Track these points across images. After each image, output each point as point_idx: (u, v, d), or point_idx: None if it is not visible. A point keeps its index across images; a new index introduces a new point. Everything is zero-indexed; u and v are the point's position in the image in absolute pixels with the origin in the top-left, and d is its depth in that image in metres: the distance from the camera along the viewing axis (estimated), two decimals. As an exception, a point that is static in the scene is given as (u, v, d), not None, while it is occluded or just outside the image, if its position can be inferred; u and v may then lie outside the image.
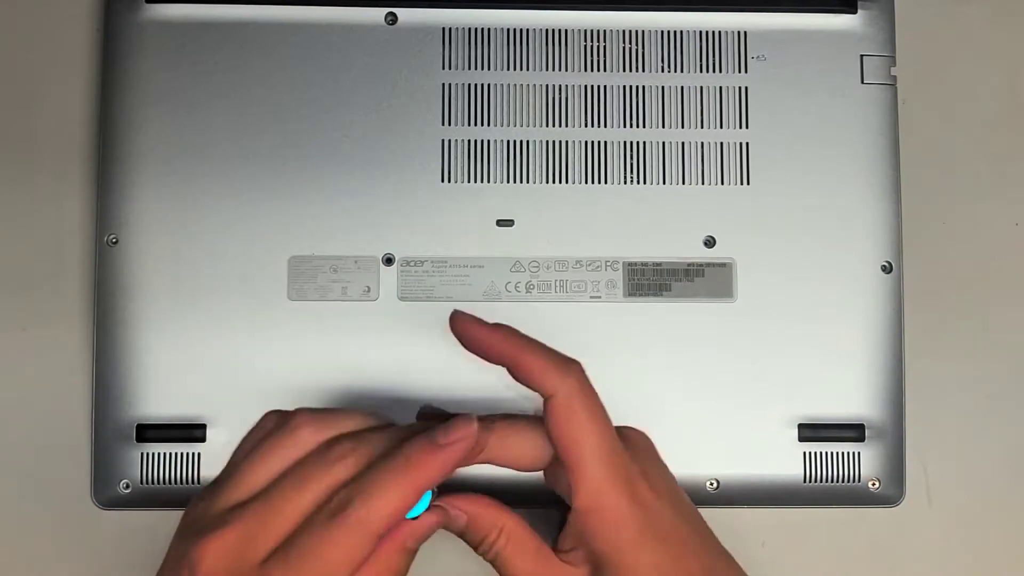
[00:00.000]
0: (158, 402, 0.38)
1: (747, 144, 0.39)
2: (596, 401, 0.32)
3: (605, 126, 0.39)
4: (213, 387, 0.38)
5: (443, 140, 0.39)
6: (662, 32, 0.40)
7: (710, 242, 0.39)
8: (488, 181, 0.39)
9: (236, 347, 0.38)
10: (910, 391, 0.39)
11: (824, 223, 0.39)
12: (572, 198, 0.39)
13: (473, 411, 0.37)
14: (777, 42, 0.40)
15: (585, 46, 0.40)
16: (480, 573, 0.33)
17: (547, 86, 0.39)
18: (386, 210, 0.39)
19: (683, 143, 0.39)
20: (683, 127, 0.39)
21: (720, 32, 0.40)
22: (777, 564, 0.40)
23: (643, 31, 0.40)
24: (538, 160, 0.39)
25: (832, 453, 0.38)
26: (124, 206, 0.38)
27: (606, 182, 0.39)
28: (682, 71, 0.40)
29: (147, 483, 0.38)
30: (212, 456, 0.37)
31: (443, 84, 0.39)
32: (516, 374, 0.32)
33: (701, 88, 0.39)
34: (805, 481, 0.38)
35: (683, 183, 0.39)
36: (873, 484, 0.39)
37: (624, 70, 0.39)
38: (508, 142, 0.39)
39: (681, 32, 0.40)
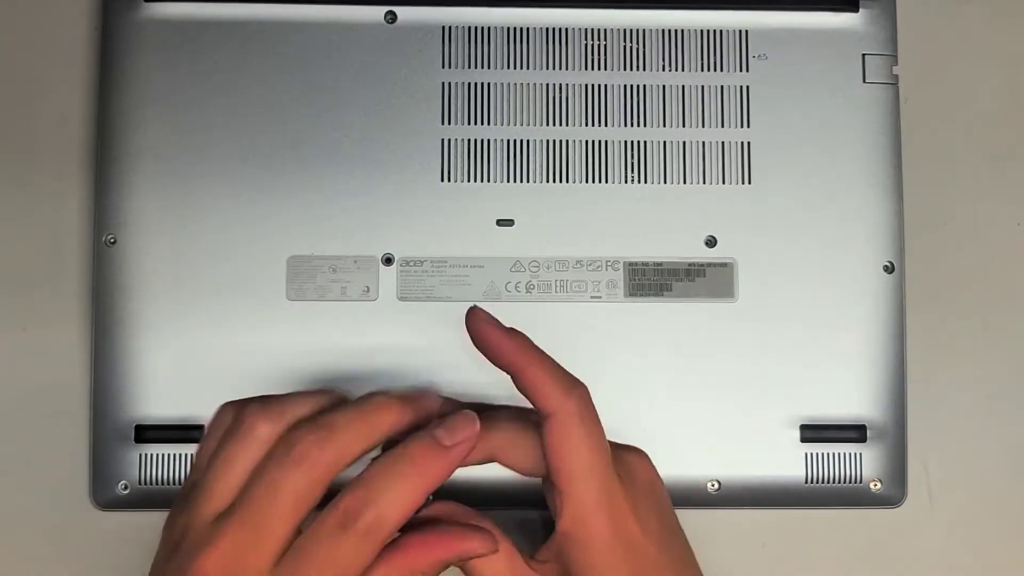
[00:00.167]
0: (157, 402, 0.37)
1: (748, 143, 0.39)
2: (595, 427, 0.31)
3: (606, 125, 0.39)
4: (212, 387, 0.37)
5: (443, 139, 0.39)
6: (663, 31, 0.39)
7: (711, 242, 0.39)
8: (488, 181, 0.39)
9: (235, 347, 0.38)
10: (912, 392, 0.39)
11: (826, 223, 0.39)
12: (572, 198, 0.39)
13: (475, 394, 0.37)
14: (778, 41, 0.40)
15: (586, 45, 0.39)
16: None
17: (547, 85, 0.39)
18: (386, 210, 0.38)
19: (684, 142, 0.39)
20: (684, 126, 0.39)
21: (721, 31, 0.39)
22: (778, 565, 0.40)
23: (644, 30, 0.39)
24: (538, 159, 0.39)
25: (833, 454, 0.38)
26: (123, 206, 0.38)
27: (607, 182, 0.39)
28: (683, 70, 0.39)
29: (146, 484, 0.38)
30: (211, 457, 0.37)
31: (443, 83, 0.39)
32: (520, 386, 0.32)
33: (702, 87, 0.39)
34: (806, 482, 0.38)
35: (684, 183, 0.39)
36: (875, 485, 0.39)
37: (625, 69, 0.39)
38: (508, 141, 0.39)
39: (682, 31, 0.39)
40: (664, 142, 0.39)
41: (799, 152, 0.39)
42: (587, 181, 0.39)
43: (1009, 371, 0.41)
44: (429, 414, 0.32)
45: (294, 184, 0.38)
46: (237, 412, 0.31)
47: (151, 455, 0.38)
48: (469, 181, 0.39)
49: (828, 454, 0.38)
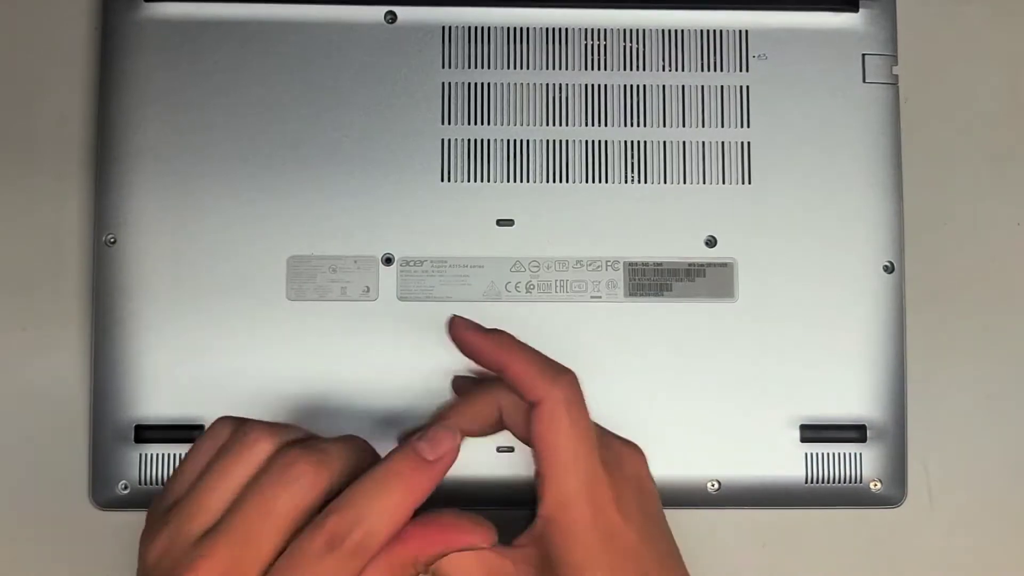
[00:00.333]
0: (157, 403, 0.37)
1: (748, 143, 0.39)
2: (581, 413, 0.32)
3: (606, 125, 0.39)
4: (211, 387, 0.37)
5: (443, 139, 0.39)
6: (663, 31, 0.39)
7: (711, 242, 0.39)
8: (488, 181, 0.39)
9: (235, 347, 0.38)
10: (912, 391, 0.39)
11: (826, 223, 0.39)
12: (572, 198, 0.39)
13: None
14: (778, 41, 0.40)
15: (586, 45, 0.39)
16: None
17: (547, 85, 0.39)
18: (386, 210, 0.38)
19: (684, 142, 0.39)
20: (684, 126, 0.39)
21: (721, 31, 0.39)
22: (778, 565, 0.40)
23: (644, 30, 0.39)
24: (538, 159, 0.39)
25: (834, 454, 0.38)
26: (122, 206, 0.38)
27: (607, 181, 0.39)
28: (683, 70, 0.39)
29: (146, 484, 0.38)
30: (211, 457, 0.37)
31: (443, 83, 0.39)
32: (508, 381, 0.32)
33: (702, 87, 0.39)
34: (806, 482, 0.38)
35: (684, 182, 0.39)
36: (875, 485, 0.39)
37: (625, 69, 0.39)
38: (508, 141, 0.39)
39: (682, 31, 0.39)
40: (664, 142, 0.39)
41: (799, 152, 0.39)
42: (587, 181, 0.39)
43: (1009, 371, 0.41)
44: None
45: (294, 184, 0.38)
46: (237, 427, 0.30)
47: (151, 455, 0.38)
48: (469, 181, 0.39)
49: (828, 454, 0.38)
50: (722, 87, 0.39)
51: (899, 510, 0.39)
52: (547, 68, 0.39)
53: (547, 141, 0.39)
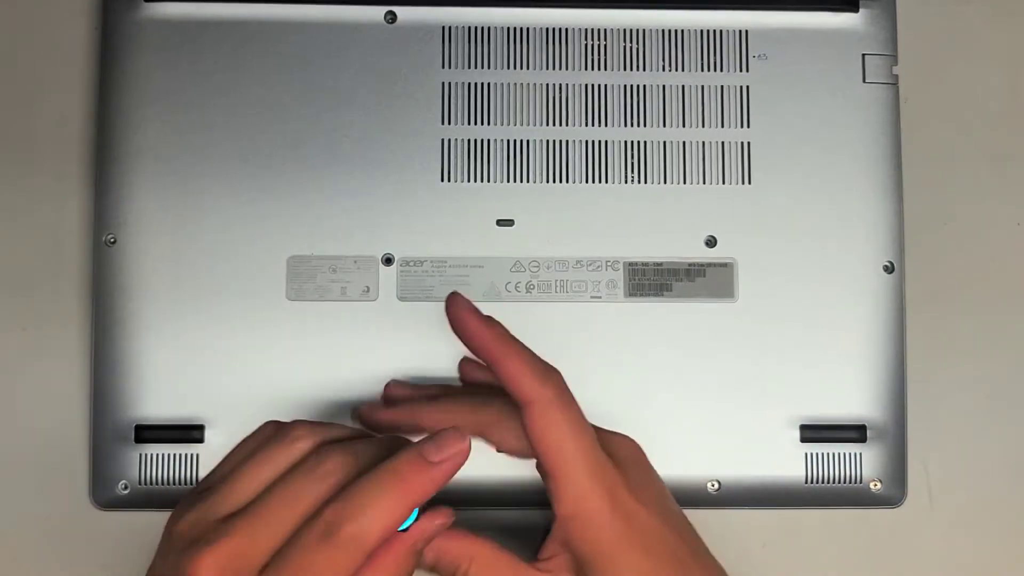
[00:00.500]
0: (156, 403, 0.37)
1: (748, 143, 0.39)
2: (575, 409, 0.32)
3: (606, 125, 0.39)
4: (211, 388, 0.37)
5: (443, 140, 0.39)
6: (663, 31, 0.39)
7: (711, 242, 0.39)
8: (488, 181, 0.39)
9: (234, 347, 0.38)
10: (912, 392, 0.39)
11: (826, 223, 0.39)
12: (572, 198, 0.39)
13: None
14: (778, 41, 0.39)
15: (586, 45, 0.39)
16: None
17: (547, 85, 0.39)
18: (386, 210, 0.38)
19: (684, 142, 0.39)
20: (684, 126, 0.39)
21: (721, 31, 0.39)
22: (778, 565, 0.40)
23: (644, 30, 0.39)
24: (538, 160, 0.39)
25: (834, 454, 0.38)
26: (122, 206, 0.38)
27: (607, 182, 0.39)
28: (683, 70, 0.39)
29: (146, 484, 0.38)
30: (210, 457, 0.37)
31: (443, 83, 0.39)
32: (497, 375, 0.32)
33: (702, 87, 0.39)
34: (806, 482, 0.38)
35: (684, 183, 0.39)
36: (875, 485, 0.39)
37: (625, 69, 0.39)
38: (508, 141, 0.39)
39: (682, 31, 0.39)
40: (664, 142, 0.39)
41: (799, 152, 0.39)
42: (587, 181, 0.39)
43: (1009, 371, 0.41)
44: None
45: (294, 184, 0.38)
46: (281, 426, 0.31)
47: (151, 455, 0.38)
48: (469, 181, 0.39)
49: (828, 454, 0.38)
50: (722, 87, 0.39)
51: (899, 510, 0.39)
52: (547, 68, 0.39)
53: (547, 141, 0.39)
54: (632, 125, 0.39)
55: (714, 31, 0.40)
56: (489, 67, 0.39)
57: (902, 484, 0.39)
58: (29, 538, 0.39)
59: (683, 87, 0.39)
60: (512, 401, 0.33)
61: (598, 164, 0.39)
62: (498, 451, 0.35)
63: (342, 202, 0.38)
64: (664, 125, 0.39)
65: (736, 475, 0.38)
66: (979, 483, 0.40)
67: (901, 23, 0.40)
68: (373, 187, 0.38)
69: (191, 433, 0.37)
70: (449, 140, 0.39)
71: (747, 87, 0.39)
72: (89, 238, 0.39)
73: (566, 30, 0.39)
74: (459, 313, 0.33)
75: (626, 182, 0.39)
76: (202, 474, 0.37)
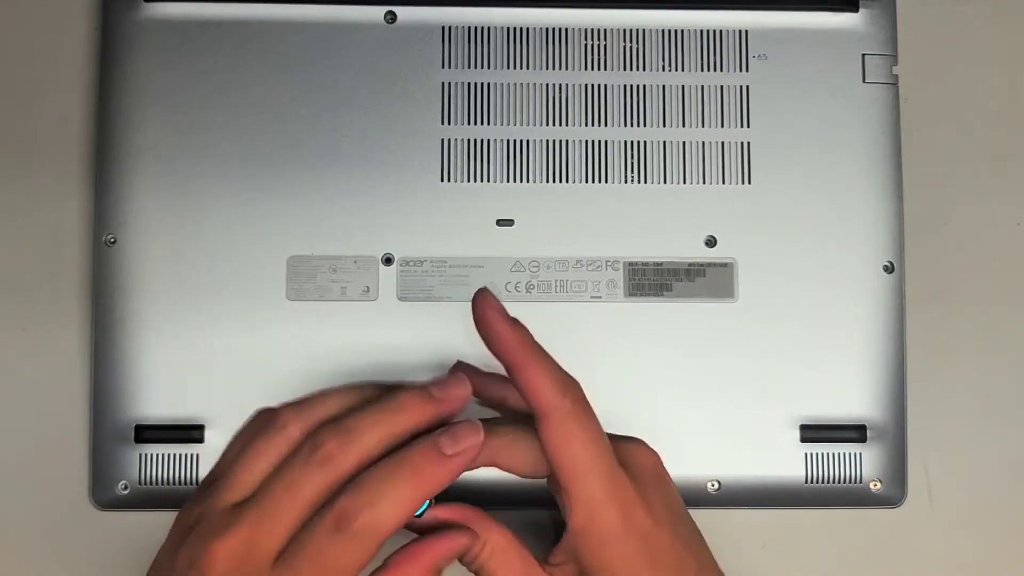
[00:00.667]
0: (156, 403, 0.37)
1: (748, 143, 0.39)
2: (592, 421, 0.31)
3: (606, 125, 0.39)
4: (211, 388, 0.37)
5: (443, 139, 0.39)
6: (663, 31, 0.39)
7: (711, 242, 0.39)
8: (488, 181, 0.39)
9: (234, 347, 0.38)
10: (912, 392, 0.39)
11: (826, 223, 0.39)
12: (572, 198, 0.39)
13: (471, 414, 0.37)
14: (778, 41, 0.39)
15: (585, 45, 0.39)
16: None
17: (547, 85, 0.39)
18: (385, 210, 0.38)
19: (684, 142, 0.39)
20: (684, 126, 0.39)
21: (721, 31, 0.39)
22: (778, 565, 0.40)
23: (644, 30, 0.39)
24: (538, 160, 0.39)
25: (834, 454, 0.38)
26: (122, 206, 0.38)
27: (606, 181, 0.39)
28: (683, 70, 0.39)
29: (146, 484, 0.38)
30: (210, 457, 0.37)
31: (443, 83, 0.39)
32: (516, 381, 0.32)
33: (702, 87, 0.39)
34: (806, 482, 0.38)
35: (684, 182, 0.39)
36: (875, 485, 0.39)
37: (625, 69, 0.39)
38: (508, 141, 0.39)
39: (682, 31, 0.39)
40: (664, 142, 0.39)
41: (799, 152, 0.39)
42: (587, 181, 0.39)
43: (1009, 371, 0.41)
44: (455, 409, 0.32)
45: (294, 184, 0.38)
46: (271, 413, 0.31)
47: (151, 455, 0.38)
48: (469, 181, 0.39)
49: (828, 454, 0.38)
50: (722, 87, 0.39)
51: (899, 510, 0.39)
52: (547, 68, 0.39)
53: (547, 141, 0.39)
54: (632, 125, 0.39)
55: (714, 31, 0.40)
56: (489, 67, 0.39)
57: (902, 484, 0.39)
58: (29, 538, 0.39)
59: (683, 87, 0.39)
60: (519, 423, 0.32)
61: (598, 164, 0.39)
62: (511, 473, 0.34)
63: (342, 202, 0.38)
64: (664, 125, 0.39)
65: (736, 475, 0.38)
66: (979, 483, 0.40)
67: (901, 23, 0.40)
68: (373, 187, 0.38)
69: (191, 433, 0.37)
70: (449, 140, 0.39)
71: (747, 87, 0.39)
72: (89, 238, 0.39)
73: (566, 30, 0.39)
74: (486, 313, 0.32)
75: (626, 182, 0.39)
76: (202, 474, 0.37)
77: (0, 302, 0.39)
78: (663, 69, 0.39)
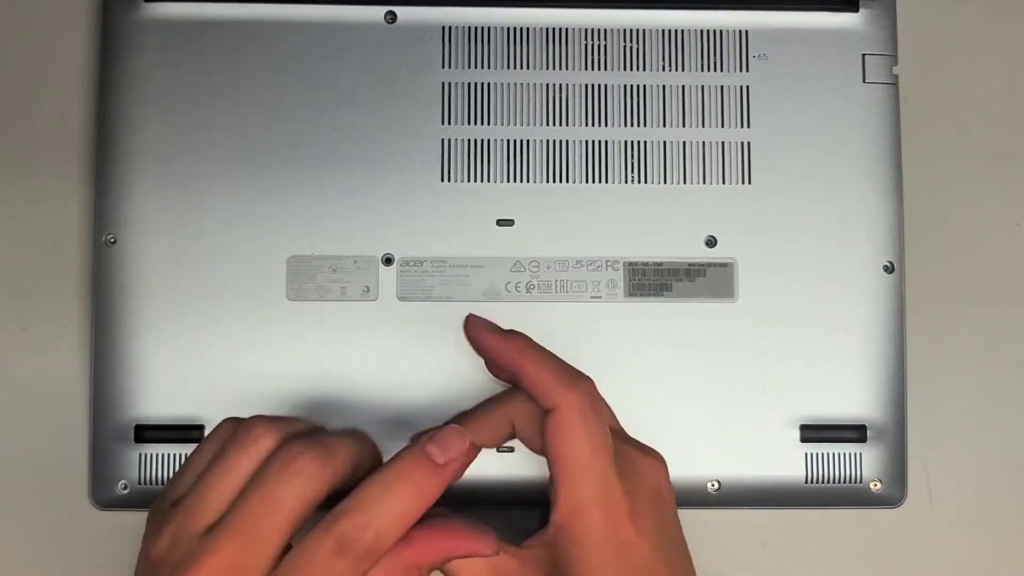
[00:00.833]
0: (156, 403, 0.37)
1: (748, 143, 0.39)
2: (597, 422, 0.31)
3: (606, 125, 0.39)
4: (211, 387, 0.37)
5: (443, 139, 0.39)
6: (663, 31, 0.39)
7: (711, 242, 0.39)
8: (488, 181, 0.39)
9: (234, 347, 0.38)
10: (912, 392, 0.39)
11: (826, 223, 0.39)
12: (572, 198, 0.39)
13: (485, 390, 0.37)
14: (778, 41, 0.39)
15: (586, 45, 0.39)
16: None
17: (547, 85, 0.39)
18: (386, 210, 0.38)
19: (684, 142, 0.39)
20: (684, 126, 0.39)
21: (721, 31, 0.39)
22: (778, 565, 0.40)
23: (644, 30, 0.39)
24: (538, 160, 0.39)
25: (834, 454, 0.38)
26: (122, 206, 0.38)
27: (607, 181, 0.39)
28: (683, 70, 0.39)
29: (146, 484, 0.38)
30: (211, 457, 0.37)
31: (443, 83, 0.39)
32: (524, 386, 0.32)
33: (702, 87, 0.39)
34: (806, 482, 0.38)
35: (684, 182, 0.39)
36: (875, 485, 0.39)
37: (625, 69, 0.39)
38: (508, 141, 0.39)
39: (682, 31, 0.39)
40: (664, 142, 0.39)
41: (799, 152, 0.39)
42: (587, 181, 0.39)
43: (1010, 371, 0.41)
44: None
45: (294, 184, 0.38)
46: (241, 423, 0.30)
47: (151, 455, 0.38)
48: (469, 181, 0.39)
49: (828, 454, 0.38)
50: (722, 87, 0.39)
51: (899, 510, 0.39)
52: (547, 68, 0.39)
53: (547, 141, 0.39)
54: (632, 125, 0.39)
55: (714, 31, 0.40)
56: (489, 67, 0.39)
57: (902, 484, 0.39)
58: (29, 538, 0.39)
59: (683, 87, 0.39)
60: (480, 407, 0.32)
61: (598, 164, 0.39)
62: (525, 443, 0.34)
63: (342, 202, 0.38)
64: (664, 125, 0.39)
65: (736, 475, 0.38)
66: (979, 483, 0.40)
67: (901, 23, 0.40)
68: (373, 187, 0.38)
69: (191, 433, 0.37)
70: (449, 140, 0.39)
71: (747, 87, 0.39)
72: (89, 238, 0.39)
73: (566, 30, 0.39)
74: (477, 333, 0.32)
75: (626, 182, 0.39)
76: (202, 474, 0.37)
77: (0, 302, 0.39)
78: (663, 69, 0.39)
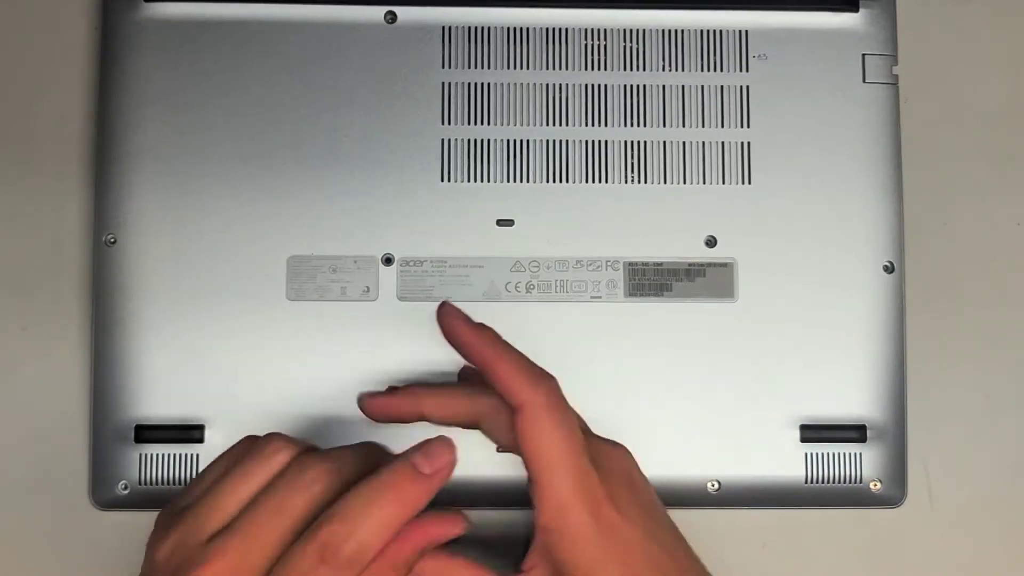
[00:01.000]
0: (156, 403, 0.37)
1: (748, 143, 0.39)
2: (566, 416, 0.31)
3: (606, 125, 0.39)
4: (211, 388, 0.37)
5: (443, 140, 0.39)
6: (663, 31, 0.39)
7: (711, 242, 0.39)
8: (488, 181, 0.39)
9: (234, 347, 0.38)
10: (912, 392, 0.39)
11: (826, 223, 0.39)
12: (572, 198, 0.39)
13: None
14: (778, 41, 0.40)
15: (586, 45, 0.39)
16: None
17: (547, 85, 0.39)
18: (385, 210, 0.38)
19: (684, 142, 0.39)
20: (684, 126, 0.39)
21: (721, 31, 0.39)
22: (778, 565, 0.40)
23: (644, 30, 0.39)
24: (538, 160, 0.39)
25: (834, 454, 0.38)
26: (122, 206, 0.38)
27: (607, 181, 0.39)
28: (683, 70, 0.39)
29: (146, 484, 0.38)
30: (210, 457, 0.37)
31: (443, 83, 0.39)
32: (489, 380, 0.32)
33: (702, 87, 0.39)
34: (807, 482, 0.38)
35: (684, 183, 0.39)
36: (875, 485, 0.39)
37: (625, 69, 0.39)
38: (508, 141, 0.39)
39: (682, 31, 0.39)
40: (664, 142, 0.39)
41: (799, 152, 0.39)
42: (587, 181, 0.39)
43: (1009, 371, 0.41)
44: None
45: (294, 184, 0.38)
46: (256, 439, 0.31)
47: (151, 455, 0.38)
48: (469, 181, 0.39)
49: (828, 454, 0.38)
50: (722, 87, 0.39)
51: (899, 510, 0.39)
52: (547, 68, 0.39)
53: (547, 141, 0.39)
54: (632, 125, 0.39)
55: (714, 31, 0.40)
56: (489, 67, 0.39)
57: (902, 484, 0.39)
58: (29, 538, 0.39)
59: (683, 87, 0.39)
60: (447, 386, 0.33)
61: (598, 164, 0.39)
62: (495, 445, 0.34)
63: (342, 202, 0.38)
64: (664, 125, 0.39)
65: (736, 475, 0.38)
66: (979, 483, 0.40)
67: (901, 23, 0.40)
68: (373, 187, 0.38)
69: (191, 433, 0.37)
70: (449, 140, 0.39)
71: (747, 87, 0.39)
72: (89, 238, 0.39)
73: (566, 30, 0.39)
74: (450, 322, 0.33)
75: (626, 182, 0.39)
76: (202, 474, 0.37)
77: (0, 302, 0.39)
78: (663, 69, 0.39)
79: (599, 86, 0.39)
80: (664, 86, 0.39)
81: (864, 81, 0.39)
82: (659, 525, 0.33)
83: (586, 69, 0.39)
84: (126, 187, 0.38)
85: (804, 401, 0.38)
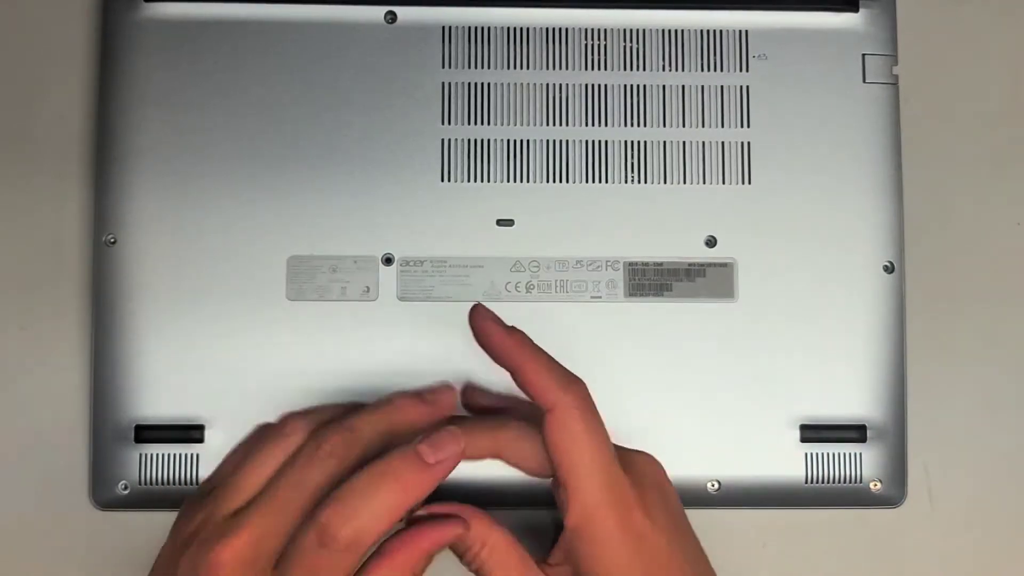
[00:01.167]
0: (156, 403, 0.37)
1: (748, 143, 0.39)
2: (595, 420, 0.32)
3: (606, 125, 0.39)
4: (211, 388, 0.37)
5: (443, 139, 0.39)
6: (663, 31, 0.39)
7: (711, 242, 0.39)
8: (488, 181, 0.39)
9: (234, 347, 0.38)
10: (912, 392, 0.39)
11: (826, 223, 0.39)
12: (572, 198, 0.39)
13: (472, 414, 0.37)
14: (778, 41, 0.40)
15: (586, 45, 0.39)
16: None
17: (547, 85, 0.39)
18: (385, 210, 0.38)
19: (684, 142, 0.39)
20: (684, 126, 0.39)
21: (721, 31, 0.39)
22: (778, 565, 0.40)
23: (644, 30, 0.39)
24: (538, 159, 0.39)
25: (834, 454, 0.38)
26: (122, 206, 0.38)
27: (607, 181, 0.39)
28: (683, 70, 0.39)
29: (146, 484, 0.38)
30: (210, 457, 0.37)
31: (443, 83, 0.39)
32: (519, 382, 0.32)
33: (702, 87, 0.39)
34: (806, 482, 0.38)
35: (684, 182, 0.39)
36: (875, 485, 0.39)
37: (625, 69, 0.39)
38: (508, 141, 0.39)
39: (682, 31, 0.39)
40: (664, 142, 0.39)
41: (799, 152, 0.39)
42: (587, 181, 0.39)
43: (1009, 371, 0.41)
44: (445, 411, 0.33)
45: (294, 184, 0.38)
46: (274, 424, 0.32)
47: (151, 455, 0.38)
48: (469, 181, 0.39)
49: (828, 454, 0.38)
50: (722, 87, 0.39)
51: (899, 510, 0.39)
52: (547, 68, 0.39)
53: (547, 141, 0.39)
54: (632, 125, 0.39)
55: (714, 31, 0.40)
56: (489, 67, 0.39)
57: (902, 484, 0.39)
58: (29, 538, 0.39)
59: (683, 87, 0.39)
60: (528, 421, 0.33)
61: (598, 164, 0.39)
62: (517, 468, 0.34)
63: (342, 202, 0.38)
64: (664, 125, 0.39)
65: (736, 475, 0.38)
66: (979, 483, 0.40)
67: (901, 23, 0.40)
68: (373, 187, 0.38)
69: (191, 433, 0.37)
70: (449, 140, 0.39)
71: (747, 87, 0.39)
72: (89, 238, 0.39)
73: (566, 30, 0.39)
74: (482, 323, 0.33)
75: (626, 182, 0.39)
76: (203, 474, 0.37)
77: (0, 302, 0.39)
78: (663, 69, 0.39)
79: (599, 86, 0.39)
80: (664, 86, 0.39)
81: (864, 81, 0.39)
82: (684, 536, 0.33)
83: (586, 69, 0.39)
84: (126, 187, 0.38)
85: (804, 401, 0.38)
